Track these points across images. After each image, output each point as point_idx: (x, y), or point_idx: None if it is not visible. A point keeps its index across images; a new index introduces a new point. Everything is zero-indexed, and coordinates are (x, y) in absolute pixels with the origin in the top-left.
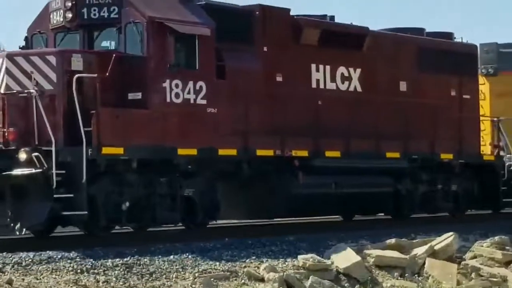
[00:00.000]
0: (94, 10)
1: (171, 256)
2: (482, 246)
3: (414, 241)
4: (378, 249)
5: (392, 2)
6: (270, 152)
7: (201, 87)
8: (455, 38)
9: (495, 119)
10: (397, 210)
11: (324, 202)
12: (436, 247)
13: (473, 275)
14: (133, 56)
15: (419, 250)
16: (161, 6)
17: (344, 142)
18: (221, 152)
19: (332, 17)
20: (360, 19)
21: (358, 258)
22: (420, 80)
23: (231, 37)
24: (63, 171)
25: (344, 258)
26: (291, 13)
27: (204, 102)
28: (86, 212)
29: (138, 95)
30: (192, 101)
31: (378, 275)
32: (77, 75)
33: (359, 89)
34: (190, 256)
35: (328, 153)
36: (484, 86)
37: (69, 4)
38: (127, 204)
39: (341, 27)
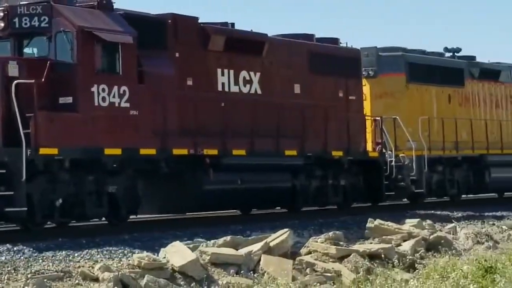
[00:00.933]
0: (25, 19)
1: (3, 258)
2: (316, 241)
3: (249, 238)
4: (214, 246)
5: (282, 8)
6: (184, 151)
7: (124, 91)
8: (340, 43)
9: (378, 118)
10: (293, 203)
11: (232, 197)
12: (271, 244)
13: (308, 270)
14: (64, 62)
15: (255, 247)
16: (88, 16)
17: (249, 142)
18: (142, 151)
19: (233, 24)
20: (255, 25)
21: (194, 256)
22: (312, 82)
23: (147, 44)
24: (3, 171)
25: (179, 256)
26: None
27: (127, 105)
28: (26, 209)
29: (69, 99)
30: (116, 105)
31: (214, 273)
32: (16, 81)
33: (259, 91)
34: (22, 257)
35: (235, 152)
36: (365, 87)
37: (1, 14)
38: (60, 201)
39: (244, 34)
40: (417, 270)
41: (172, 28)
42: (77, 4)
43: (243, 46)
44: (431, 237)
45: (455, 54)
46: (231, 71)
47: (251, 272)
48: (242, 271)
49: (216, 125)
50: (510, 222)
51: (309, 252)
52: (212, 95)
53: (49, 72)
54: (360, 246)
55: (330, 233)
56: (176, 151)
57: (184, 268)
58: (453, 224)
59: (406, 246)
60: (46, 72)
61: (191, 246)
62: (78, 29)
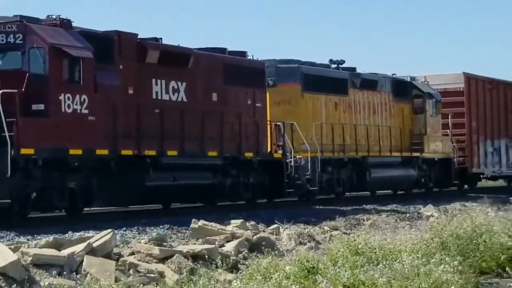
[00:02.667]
0: (2, 36)
1: None
2: (140, 242)
3: (73, 238)
4: (36, 247)
5: (196, 23)
6: (130, 152)
7: (84, 99)
8: (248, 56)
9: (278, 123)
10: (213, 198)
11: (167, 193)
12: (94, 244)
13: (131, 271)
14: (37, 74)
15: (78, 248)
16: (55, 34)
17: (180, 144)
18: (98, 152)
19: (161, 39)
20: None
21: (15, 257)
22: (226, 91)
23: (99, 58)
24: None
25: (0, 257)
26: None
27: (86, 111)
28: (9, 201)
29: (41, 106)
30: (78, 111)
31: (36, 274)
32: (2, 90)
33: (185, 99)
34: None
35: (169, 153)
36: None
37: None
38: (34, 194)
39: (174, 49)
40: (240, 271)
41: (117, 44)
42: (43, 23)
43: (173, 59)
44: (254, 237)
45: (339, 65)
46: (163, 81)
47: (74, 273)
48: (64, 272)
49: (153, 129)
50: (332, 223)
51: (132, 253)
52: (148, 103)
53: (27, 83)
54: (183, 247)
55: (154, 234)
56: (123, 152)
57: (4, 269)
58: (276, 225)
59: (230, 247)
60: (26, 82)
61: (12, 247)
62: (50, 45)
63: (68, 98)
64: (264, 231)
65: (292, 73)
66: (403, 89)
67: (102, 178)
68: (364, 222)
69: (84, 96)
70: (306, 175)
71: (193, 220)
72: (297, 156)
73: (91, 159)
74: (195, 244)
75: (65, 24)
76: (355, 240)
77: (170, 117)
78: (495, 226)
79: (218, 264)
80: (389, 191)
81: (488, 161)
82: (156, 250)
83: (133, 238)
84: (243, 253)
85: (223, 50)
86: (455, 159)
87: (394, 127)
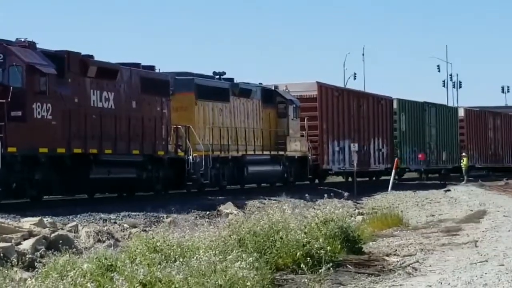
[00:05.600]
0: None
1: None
2: None
3: None
4: None
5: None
6: (79, 150)
7: (49, 107)
8: (156, 69)
9: (180, 126)
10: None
11: (106, 185)
12: None
13: None
14: (16, 87)
15: None
16: (28, 54)
17: (113, 144)
18: (58, 150)
19: (92, 56)
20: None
21: None
22: (142, 100)
23: (56, 73)
24: None
25: None
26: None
27: (50, 117)
28: (1, 189)
29: (19, 113)
30: (45, 117)
31: None
32: None
33: (113, 107)
34: None
35: (106, 151)
36: None
37: None
38: (14, 184)
39: (107, 65)
40: (37, 269)
41: (67, 61)
42: (16, 44)
43: (106, 73)
44: (52, 235)
45: (221, 76)
46: (98, 91)
47: None
48: None
49: (94, 132)
50: (132, 220)
51: None
52: (89, 110)
53: (11, 94)
54: None
55: None
56: (75, 150)
57: None
58: (74, 223)
59: (26, 245)
60: (11, 94)
61: None
62: (26, 64)
63: (39, 106)
64: (62, 229)
65: (188, 84)
66: (269, 96)
67: (59, 172)
68: (164, 220)
69: (49, 105)
70: (201, 171)
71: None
72: (194, 155)
73: (53, 156)
74: None
75: (32, 45)
76: (153, 238)
77: (105, 122)
78: (291, 223)
79: (13, 262)
80: (255, 184)
81: (335, 159)
82: None
83: None
84: (40, 251)
85: (137, 65)
86: (310, 157)
87: (264, 129)
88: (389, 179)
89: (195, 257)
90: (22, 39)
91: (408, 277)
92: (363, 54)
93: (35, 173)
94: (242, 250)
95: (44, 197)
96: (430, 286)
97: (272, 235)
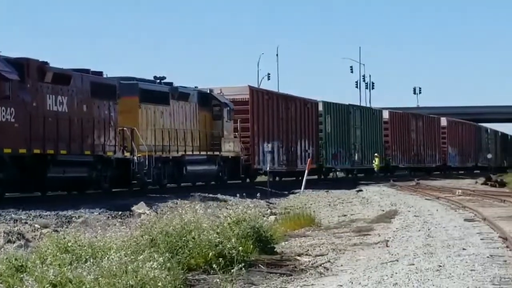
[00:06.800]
0: None
1: None
2: None
3: None
4: None
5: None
6: (38, 151)
7: (12, 111)
8: (104, 75)
9: (125, 128)
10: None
11: (61, 183)
12: None
13: None
14: None
15: None
16: None
17: (67, 145)
18: (20, 151)
19: (48, 62)
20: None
21: None
22: (93, 104)
23: (18, 79)
24: None
25: None
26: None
27: (13, 120)
28: None
29: None
30: (9, 120)
31: None
32: None
33: (67, 110)
34: None
35: (62, 152)
36: None
37: None
38: None
39: (62, 71)
40: None
41: (26, 68)
42: None
43: (60, 79)
44: None
45: (162, 81)
46: (53, 96)
47: None
48: None
49: (51, 133)
50: (43, 220)
51: None
52: (46, 113)
53: None
54: None
55: None
56: (35, 151)
57: None
58: None
59: None
60: None
61: None
62: None
63: (3, 110)
64: None
65: (132, 88)
66: (205, 99)
67: (20, 171)
68: (76, 220)
69: (12, 109)
70: (144, 170)
71: None
72: (138, 155)
73: (15, 156)
74: None
75: None
76: (64, 238)
77: (60, 124)
78: (204, 223)
79: None
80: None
81: (265, 159)
82: None
83: None
84: None
85: (87, 71)
86: (242, 157)
87: (201, 131)
88: (313, 179)
89: (106, 258)
90: None
91: (320, 276)
92: (277, 55)
93: (0, 172)
94: (154, 250)
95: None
96: (341, 285)
97: (185, 235)
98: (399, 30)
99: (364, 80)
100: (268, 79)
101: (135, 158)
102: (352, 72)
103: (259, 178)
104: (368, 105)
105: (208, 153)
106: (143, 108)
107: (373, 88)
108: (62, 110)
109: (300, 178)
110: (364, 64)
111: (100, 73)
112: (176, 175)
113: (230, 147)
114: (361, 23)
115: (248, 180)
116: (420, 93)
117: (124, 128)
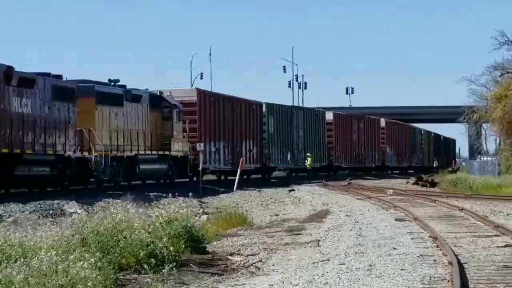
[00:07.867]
0: None
1: None
2: None
3: None
4: None
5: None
6: (7, 150)
7: None
8: (63, 78)
9: (83, 129)
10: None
11: (26, 181)
12: None
13: None
14: None
15: None
16: None
17: (32, 144)
18: (3, 150)
19: (13, 67)
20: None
21: None
22: (54, 106)
23: None
24: None
25: None
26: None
27: None
28: None
29: None
30: None
31: None
32: None
33: (31, 112)
34: None
35: (27, 151)
36: None
37: None
38: None
39: (27, 75)
40: None
41: None
42: None
43: (25, 82)
44: None
45: (116, 83)
46: (19, 98)
47: None
48: None
49: (17, 134)
50: None
51: None
52: (14, 115)
53: None
54: None
55: None
56: (3, 150)
57: None
58: None
59: None
60: None
61: None
62: None
63: None
64: None
65: (89, 90)
66: (156, 101)
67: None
68: (6, 219)
69: None
70: (101, 169)
71: None
72: (95, 154)
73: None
74: None
75: None
76: None
77: (26, 125)
78: (135, 223)
79: None
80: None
81: (212, 159)
82: None
83: None
84: None
85: (48, 74)
86: (190, 157)
87: (152, 131)
88: (258, 178)
89: (36, 257)
90: None
91: (251, 276)
92: (210, 54)
93: None
94: (85, 250)
95: None
96: (272, 285)
97: (116, 235)
98: (332, 30)
99: (297, 80)
100: (201, 78)
101: (93, 157)
102: (285, 72)
103: (206, 177)
104: (300, 105)
105: (159, 152)
106: (99, 110)
107: (306, 88)
108: (27, 111)
109: (245, 176)
110: (297, 64)
111: (60, 76)
112: (130, 174)
113: (179, 147)
114: (295, 22)
115: (195, 178)
116: (352, 93)
117: (82, 129)
